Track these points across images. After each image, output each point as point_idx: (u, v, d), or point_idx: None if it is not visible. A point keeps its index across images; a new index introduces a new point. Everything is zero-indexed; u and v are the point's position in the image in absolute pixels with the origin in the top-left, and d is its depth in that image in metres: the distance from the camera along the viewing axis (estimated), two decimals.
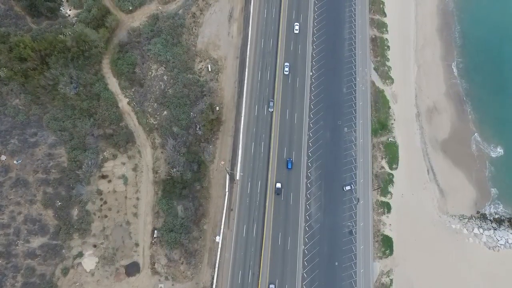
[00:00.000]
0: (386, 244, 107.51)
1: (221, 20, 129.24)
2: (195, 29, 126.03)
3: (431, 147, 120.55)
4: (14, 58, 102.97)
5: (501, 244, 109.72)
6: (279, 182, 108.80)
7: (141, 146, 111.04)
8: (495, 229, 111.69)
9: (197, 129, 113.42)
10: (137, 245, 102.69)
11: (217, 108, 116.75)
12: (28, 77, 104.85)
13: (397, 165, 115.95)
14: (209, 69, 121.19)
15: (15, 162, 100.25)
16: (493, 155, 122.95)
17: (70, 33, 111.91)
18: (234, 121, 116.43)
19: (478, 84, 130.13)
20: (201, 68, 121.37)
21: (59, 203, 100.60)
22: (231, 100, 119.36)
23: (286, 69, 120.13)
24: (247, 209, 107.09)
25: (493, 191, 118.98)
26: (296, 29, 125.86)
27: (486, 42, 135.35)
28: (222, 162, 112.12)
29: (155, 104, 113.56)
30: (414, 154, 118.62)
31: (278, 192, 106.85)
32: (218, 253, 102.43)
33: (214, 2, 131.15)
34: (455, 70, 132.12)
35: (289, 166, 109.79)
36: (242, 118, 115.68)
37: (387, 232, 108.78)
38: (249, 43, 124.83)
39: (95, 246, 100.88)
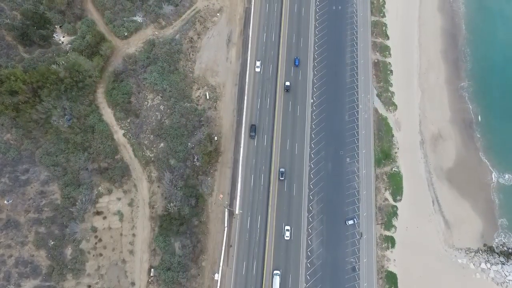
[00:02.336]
0: (391, 281, 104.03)
1: (219, 45, 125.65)
2: (192, 54, 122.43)
3: (436, 177, 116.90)
4: (5, 91, 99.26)
5: (509, 280, 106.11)
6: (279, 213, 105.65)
7: (137, 180, 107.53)
8: (503, 264, 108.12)
9: (195, 160, 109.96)
10: (133, 284, 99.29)
11: (216, 138, 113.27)
12: (19, 111, 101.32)
13: (401, 196, 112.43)
14: (207, 97, 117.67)
15: (5, 202, 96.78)
16: (501, 183, 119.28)
17: (63, 62, 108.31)
18: (233, 152, 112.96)
19: (487, 109, 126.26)
20: (198, 96, 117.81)
21: (52, 243, 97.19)
22: (230, 129, 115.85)
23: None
24: (246, 245, 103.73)
25: (501, 221, 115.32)
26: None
27: (496, 64, 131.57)
28: (221, 196, 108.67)
29: (152, 136, 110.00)
30: (419, 184, 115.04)
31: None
32: None
33: (212, 26, 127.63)
34: (461, 94, 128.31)
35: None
36: (241, 149, 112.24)
37: (391, 268, 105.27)
38: (248, 69, 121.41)
39: (89, 286, 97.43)
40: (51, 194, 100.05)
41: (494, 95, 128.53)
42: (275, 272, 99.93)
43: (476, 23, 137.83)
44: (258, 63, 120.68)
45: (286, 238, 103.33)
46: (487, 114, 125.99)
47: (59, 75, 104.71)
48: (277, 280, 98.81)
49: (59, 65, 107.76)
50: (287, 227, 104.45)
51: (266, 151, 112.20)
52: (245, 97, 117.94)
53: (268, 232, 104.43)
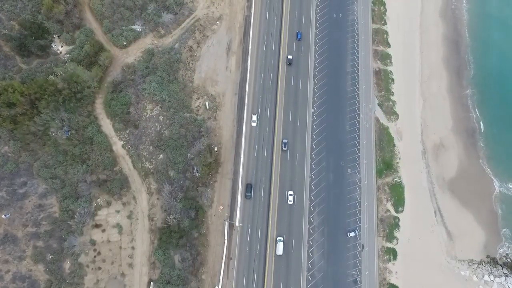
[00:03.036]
0: None
1: (219, 53, 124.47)
2: (192, 63, 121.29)
3: (438, 187, 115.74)
4: (2, 103, 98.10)
5: None
6: (280, 226, 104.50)
7: (136, 192, 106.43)
8: (507, 276, 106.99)
9: (195, 171, 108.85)
10: None
11: (215, 149, 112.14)
12: (17, 123, 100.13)
13: (403, 207, 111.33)
14: (207, 107, 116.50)
15: (3, 216, 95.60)
16: (504, 193, 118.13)
17: (61, 72, 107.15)
18: (233, 163, 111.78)
19: (489, 118, 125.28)
20: (198, 106, 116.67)
21: (50, 257, 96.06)
22: (230, 140, 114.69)
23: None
24: (247, 258, 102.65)
25: (504, 231, 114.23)
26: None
27: (499, 72, 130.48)
28: (221, 207, 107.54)
29: (151, 147, 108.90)
30: (421, 195, 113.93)
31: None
32: None
33: (212, 34, 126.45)
34: (463, 102, 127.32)
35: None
36: (242, 159, 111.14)
37: (393, 280, 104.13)
38: (248, 78, 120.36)
39: None
40: (49, 207, 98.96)
41: (497, 103, 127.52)
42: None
43: (479, 30, 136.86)
44: (259, 74, 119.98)
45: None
46: (490, 122, 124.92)
47: (57, 86, 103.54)
48: None
49: (57, 75, 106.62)
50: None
51: (267, 162, 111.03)
52: (245, 107, 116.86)
53: (268, 245, 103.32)
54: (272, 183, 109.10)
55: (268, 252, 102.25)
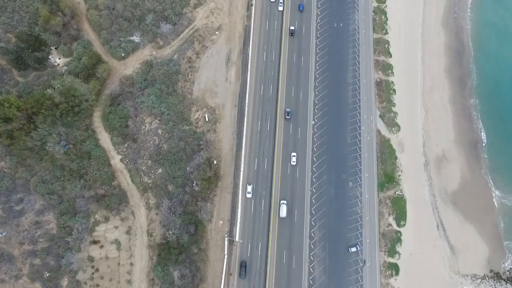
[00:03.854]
0: None
1: (219, 64, 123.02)
2: (191, 75, 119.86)
3: (441, 200, 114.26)
4: None
5: None
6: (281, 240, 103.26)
7: (135, 207, 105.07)
8: None
9: (194, 185, 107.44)
10: None
11: (215, 162, 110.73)
12: (13, 138, 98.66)
13: (405, 221, 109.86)
14: (206, 119, 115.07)
15: None
16: (507, 205, 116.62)
17: (59, 85, 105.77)
18: (233, 177, 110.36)
19: (492, 129, 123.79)
20: (197, 118, 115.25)
21: (48, 274, 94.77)
22: (230, 153, 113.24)
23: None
24: (247, 273, 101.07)
25: (506, 244, 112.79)
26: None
27: (503, 82, 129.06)
28: (221, 222, 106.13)
29: (149, 162, 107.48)
30: (423, 209, 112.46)
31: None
32: None
33: (211, 45, 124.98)
34: (466, 113, 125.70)
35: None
36: (241, 173, 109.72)
37: None
38: (248, 89, 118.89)
39: None
40: (46, 224, 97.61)
41: (500, 114, 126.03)
42: None
43: (482, 39, 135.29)
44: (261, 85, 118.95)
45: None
46: (493, 134, 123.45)
47: (54, 100, 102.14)
48: None
49: (54, 88, 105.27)
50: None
51: (267, 176, 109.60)
52: (245, 119, 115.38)
53: (269, 259, 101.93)
54: (273, 197, 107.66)
55: (268, 267, 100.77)
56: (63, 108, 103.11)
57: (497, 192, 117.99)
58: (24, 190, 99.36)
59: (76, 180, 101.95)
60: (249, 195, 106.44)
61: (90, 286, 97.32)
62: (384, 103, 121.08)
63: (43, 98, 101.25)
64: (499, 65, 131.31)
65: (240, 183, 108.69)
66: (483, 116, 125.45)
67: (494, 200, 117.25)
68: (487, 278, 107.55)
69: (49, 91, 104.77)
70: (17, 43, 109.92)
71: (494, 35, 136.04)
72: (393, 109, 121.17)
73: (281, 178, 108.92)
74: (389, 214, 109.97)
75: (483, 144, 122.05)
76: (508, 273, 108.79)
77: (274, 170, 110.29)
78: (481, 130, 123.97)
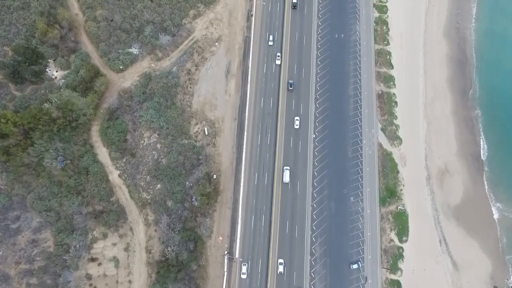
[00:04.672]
0: None
1: (218, 76, 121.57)
2: (190, 87, 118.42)
3: (443, 214, 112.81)
4: None
5: None
6: (281, 258, 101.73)
7: (133, 223, 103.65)
8: None
9: (193, 200, 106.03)
10: None
11: (215, 177, 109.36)
12: (10, 154, 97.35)
13: (407, 237, 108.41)
14: (206, 132, 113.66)
15: None
16: (511, 219, 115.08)
17: (56, 99, 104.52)
18: (233, 192, 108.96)
19: (495, 141, 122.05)
20: (197, 132, 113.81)
21: None
22: (229, 167, 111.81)
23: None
24: None
25: (508, 258, 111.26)
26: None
27: (506, 93, 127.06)
28: (220, 238, 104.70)
29: (148, 177, 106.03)
30: (425, 223, 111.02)
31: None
32: None
33: (211, 56, 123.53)
34: (468, 125, 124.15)
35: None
36: (241, 188, 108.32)
37: None
38: (247, 102, 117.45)
39: None
40: (43, 242, 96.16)
41: (503, 125, 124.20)
42: None
43: (485, 49, 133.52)
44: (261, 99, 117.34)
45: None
46: (496, 146, 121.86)
47: (51, 115, 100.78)
48: None
49: (51, 102, 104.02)
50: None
51: (267, 191, 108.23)
52: (245, 132, 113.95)
53: (269, 277, 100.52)
54: (273, 212, 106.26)
55: (269, 285, 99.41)
56: (60, 123, 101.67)
57: (499, 206, 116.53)
58: (20, 207, 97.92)
59: (73, 197, 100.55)
60: (244, 276, 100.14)
61: None
62: (386, 116, 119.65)
63: (40, 113, 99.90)
64: (501, 76, 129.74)
65: (240, 199, 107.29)
66: (485, 128, 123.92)
67: (496, 214, 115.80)
68: None
69: (46, 105, 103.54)
70: (13, 56, 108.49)
71: (497, 46, 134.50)
72: (395, 121, 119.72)
73: (281, 195, 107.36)
74: (391, 230, 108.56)
75: (486, 157, 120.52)
76: None
77: (275, 185, 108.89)
78: (483, 143, 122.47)
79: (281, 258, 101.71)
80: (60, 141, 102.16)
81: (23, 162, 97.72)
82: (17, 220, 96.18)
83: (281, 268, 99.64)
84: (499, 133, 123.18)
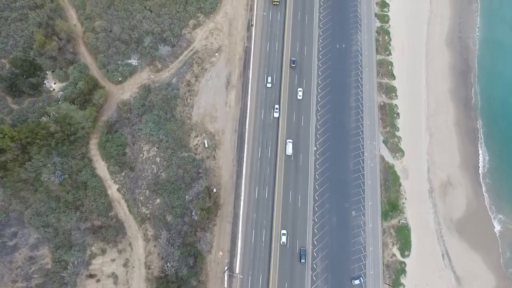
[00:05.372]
0: None
1: (218, 87, 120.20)
2: (190, 99, 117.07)
3: (446, 228, 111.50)
4: None
5: None
6: (283, 274, 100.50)
7: (132, 238, 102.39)
8: None
9: (193, 214, 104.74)
10: None
11: (214, 190, 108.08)
12: (7, 170, 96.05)
13: (410, 251, 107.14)
14: (206, 145, 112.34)
15: None
16: None
17: (54, 113, 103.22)
18: (233, 206, 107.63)
19: (498, 153, 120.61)
20: (197, 144, 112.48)
21: None
22: (230, 180, 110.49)
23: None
24: None
25: (511, 272, 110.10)
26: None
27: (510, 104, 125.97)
28: (221, 253, 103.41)
29: (147, 192, 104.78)
30: (428, 237, 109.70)
31: None
32: None
33: (211, 67, 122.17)
34: (471, 137, 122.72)
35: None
36: (242, 202, 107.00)
37: None
38: (248, 114, 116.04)
39: None
40: (40, 259, 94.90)
41: (507, 137, 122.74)
42: None
43: (487, 58, 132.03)
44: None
45: None
46: (499, 158, 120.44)
47: (49, 129, 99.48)
48: None
49: (49, 116, 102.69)
50: None
51: (268, 205, 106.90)
52: (245, 145, 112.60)
53: None
54: (274, 226, 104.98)
55: None
56: (58, 137, 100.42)
57: (501, 218, 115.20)
58: (18, 223, 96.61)
59: (71, 212, 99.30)
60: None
61: None
62: (388, 128, 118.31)
63: (38, 127, 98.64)
64: (505, 86, 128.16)
65: (240, 213, 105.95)
66: (487, 140, 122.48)
67: (498, 227, 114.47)
68: None
69: (44, 119, 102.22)
70: (11, 69, 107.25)
71: (500, 54, 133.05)
72: (397, 133, 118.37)
73: (282, 209, 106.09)
74: (393, 244, 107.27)
75: (488, 170, 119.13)
76: None
77: (275, 199, 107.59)
78: (486, 155, 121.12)
79: (282, 273, 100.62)
80: (58, 156, 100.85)
81: (20, 178, 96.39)
82: (14, 237, 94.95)
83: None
84: (502, 144, 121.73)
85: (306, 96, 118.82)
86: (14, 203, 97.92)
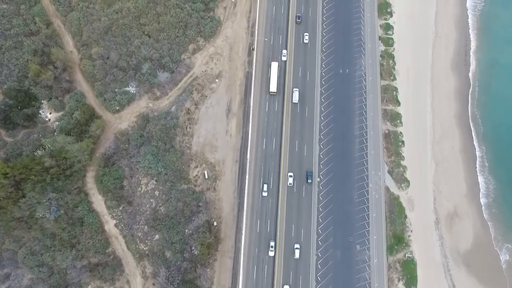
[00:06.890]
0: None
1: (219, 115, 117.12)
2: (189, 127, 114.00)
3: (453, 261, 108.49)
4: None
5: None
6: None
7: (130, 275, 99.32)
8: None
9: (193, 249, 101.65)
10: None
11: (215, 224, 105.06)
12: (0, 208, 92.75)
13: (416, 286, 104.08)
14: (206, 176, 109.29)
15: None
16: None
17: (49, 145, 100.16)
18: (234, 240, 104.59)
19: (506, 182, 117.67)
20: (196, 175, 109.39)
21: None
22: (230, 213, 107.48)
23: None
24: None
25: None
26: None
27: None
28: None
29: (146, 227, 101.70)
30: (434, 272, 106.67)
31: None
32: None
33: (211, 94, 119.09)
34: (477, 164, 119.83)
35: None
36: (243, 236, 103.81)
37: None
38: (249, 143, 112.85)
39: None
40: None
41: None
42: None
43: (490, 81, 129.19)
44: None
45: None
46: (506, 187, 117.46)
47: (44, 164, 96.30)
48: None
49: (45, 149, 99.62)
50: None
51: (269, 240, 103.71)
52: (247, 176, 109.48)
53: None
54: (276, 263, 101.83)
55: None
56: (53, 173, 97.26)
57: (509, 250, 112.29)
58: (11, 264, 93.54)
59: (67, 250, 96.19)
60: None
61: None
62: (393, 157, 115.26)
63: (32, 162, 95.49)
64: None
65: (242, 247, 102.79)
66: (494, 168, 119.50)
67: (506, 259, 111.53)
68: None
69: (39, 152, 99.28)
70: (5, 100, 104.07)
71: (505, 77, 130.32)
72: (402, 163, 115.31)
73: (284, 245, 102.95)
74: (399, 280, 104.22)
75: (495, 199, 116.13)
76: None
77: (278, 233, 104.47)
78: (493, 183, 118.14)
79: None
80: (53, 191, 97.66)
81: (14, 216, 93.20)
82: (7, 279, 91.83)
83: None
84: (509, 173, 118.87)
85: (308, 124, 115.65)
86: (7, 242, 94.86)
